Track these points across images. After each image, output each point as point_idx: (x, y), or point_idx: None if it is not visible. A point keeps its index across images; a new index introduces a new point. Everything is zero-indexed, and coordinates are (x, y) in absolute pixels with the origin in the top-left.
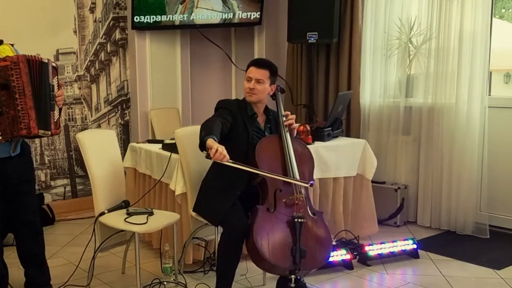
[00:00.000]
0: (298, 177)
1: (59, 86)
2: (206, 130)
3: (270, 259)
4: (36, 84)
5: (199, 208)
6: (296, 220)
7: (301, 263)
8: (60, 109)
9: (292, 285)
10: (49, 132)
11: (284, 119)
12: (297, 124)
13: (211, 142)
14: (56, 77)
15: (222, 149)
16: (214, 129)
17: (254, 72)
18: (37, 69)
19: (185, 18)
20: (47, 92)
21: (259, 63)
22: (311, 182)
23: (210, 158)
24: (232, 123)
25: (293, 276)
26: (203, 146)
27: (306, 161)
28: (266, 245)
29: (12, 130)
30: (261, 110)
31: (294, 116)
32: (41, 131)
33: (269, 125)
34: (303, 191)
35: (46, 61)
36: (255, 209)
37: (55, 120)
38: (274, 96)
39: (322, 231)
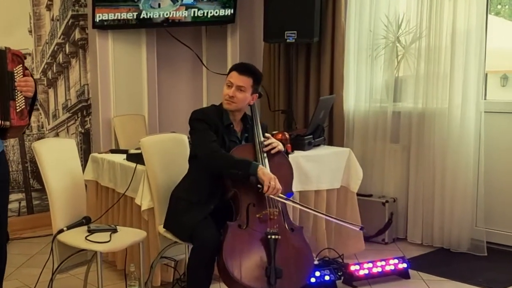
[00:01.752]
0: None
1: (25, 74)
2: (236, 162)
3: (242, 281)
4: None
5: (167, 222)
6: (269, 237)
7: (276, 284)
8: (34, 99)
9: None
10: (8, 122)
11: (263, 140)
12: (279, 146)
13: (262, 172)
14: (21, 65)
15: (276, 182)
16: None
17: (236, 77)
18: None
19: (152, 15)
20: (4, 79)
21: (242, 68)
22: (361, 227)
23: (261, 190)
24: (216, 139)
25: None
26: (245, 176)
27: (284, 173)
28: (237, 265)
29: None
30: (238, 118)
31: (273, 141)
32: None
33: (246, 134)
34: (279, 205)
35: (4, 48)
36: (225, 225)
37: (18, 110)
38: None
39: (301, 248)
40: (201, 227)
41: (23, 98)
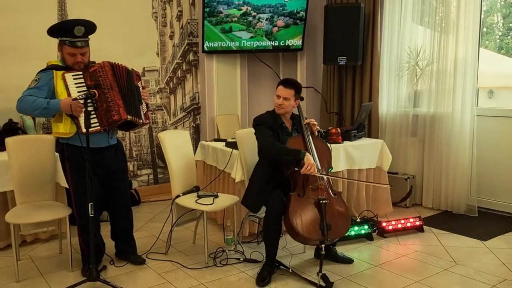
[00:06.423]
0: (320, 168)
1: (143, 88)
2: (288, 151)
3: (304, 234)
4: (123, 83)
5: (243, 200)
6: (321, 201)
7: (328, 235)
8: (147, 104)
9: (323, 252)
10: (141, 120)
11: (305, 120)
12: (315, 123)
13: (307, 158)
14: (140, 81)
15: (313, 165)
16: (288, 147)
17: (282, 91)
18: (122, 73)
19: (246, 45)
20: (133, 90)
21: (286, 83)
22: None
23: (299, 170)
24: (272, 134)
25: (323, 245)
26: (296, 161)
27: (325, 153)
28: (300, 223)
29: (107, 118)
30: (288, 117)
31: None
32: (130, 117)
33: (295, 127)
34: (324, 178)
35: (131, 69)
36: (288, 195)
37: (144, 112)
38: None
39: (342, 207)
40: (270, 197)
41: (145, 104)
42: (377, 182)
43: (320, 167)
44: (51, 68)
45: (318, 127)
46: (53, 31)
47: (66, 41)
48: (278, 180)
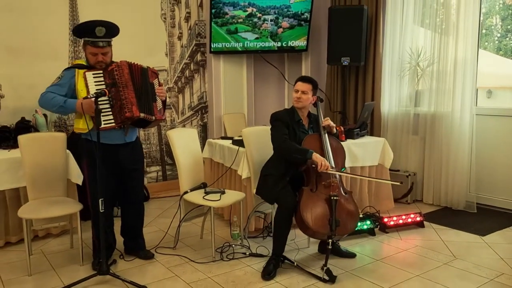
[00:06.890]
0: (334, 166)
1: (160, 85)
2: (297, 149)
3: (313, 227)
4: (138, 82)
5: (259, 191)
6: (332, 198)
7: (336, 230)
8: (164, 101)
9: (329, 247)
10: (153, 117)
11: (323, 121)
12: (333, 124)
13: (315, 157)
14: (157, 78)
15: (326, 162)
16: (299, 146)
17: (300, 85)
18: (138, 72)
19: (250, 45)
20: (148, 88)
21: (304, 79)
22: (401, 182)
23: (316, 168)
24: (287, 132)
25: (330, 240)
26: (304, 160)
27: (340, 153)
28: (310, 216)
29: (120, 115)
30: (305, 115)
31: (328, 118)
32: (142, 114)
33: (311, 125)
34: (337, 176)
35: (146, 67)
36: (301, 190)
37: (158, 109)
38: (315, 104)
39: (352, 206)
40: (283, 194)
41: (160, 101)
42: (387, 179)
43: (334, 166)
44: (74, 66)
45: (334, 125)
46: (76, 32)
47: (88, 41)
48: (293, 174)
